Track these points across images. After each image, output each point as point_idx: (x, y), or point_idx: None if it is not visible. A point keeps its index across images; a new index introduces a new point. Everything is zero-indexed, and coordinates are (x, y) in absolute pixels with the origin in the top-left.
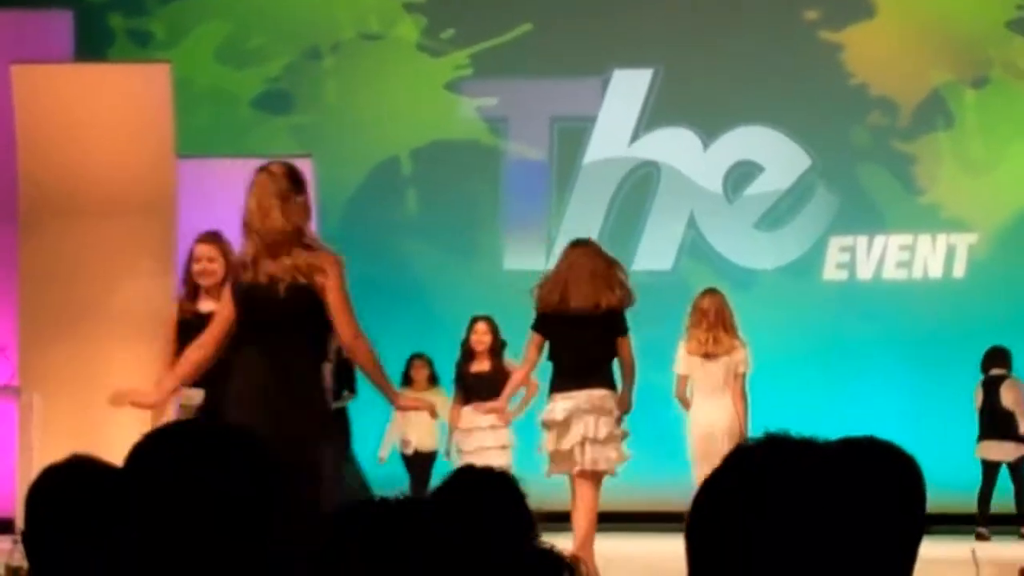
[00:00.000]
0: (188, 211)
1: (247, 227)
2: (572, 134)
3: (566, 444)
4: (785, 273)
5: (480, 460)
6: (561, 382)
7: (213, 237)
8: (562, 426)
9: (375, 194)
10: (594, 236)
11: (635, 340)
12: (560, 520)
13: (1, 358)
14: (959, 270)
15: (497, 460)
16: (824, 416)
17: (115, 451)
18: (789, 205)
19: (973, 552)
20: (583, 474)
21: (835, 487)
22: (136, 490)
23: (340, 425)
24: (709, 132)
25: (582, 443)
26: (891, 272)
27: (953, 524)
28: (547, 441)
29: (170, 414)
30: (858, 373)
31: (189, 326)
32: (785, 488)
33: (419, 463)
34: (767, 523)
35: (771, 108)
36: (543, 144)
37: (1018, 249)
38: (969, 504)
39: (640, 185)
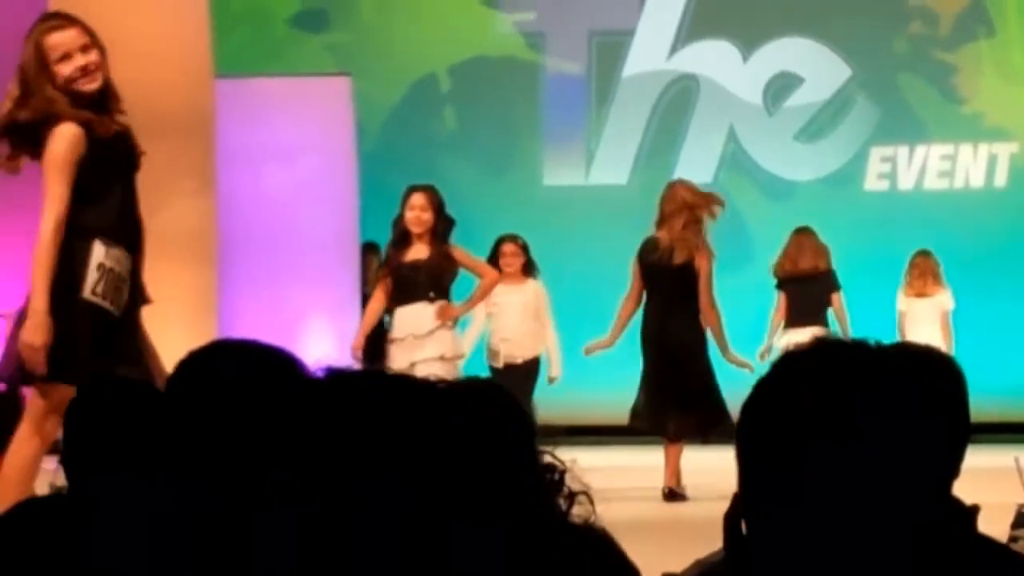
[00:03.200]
0: (226, 131)
1: (663, 214)
2: (611, 48)
3: None
4: (826, 184)
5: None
6: (794, 320)
7: None
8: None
9: (413, 112)
10: (633, 150)
11: None
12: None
13: None
14: (1001, 179)
15: (440, 373)
16: (865, 326)
17: None
18: (829, 116)
19: (1017, 460)
20: None
21: (885, 389)
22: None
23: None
24: (748, 44)
25: None
26: (932, 182)
27: (997, 433)
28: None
29: None
30: (899, 284)
31: None
32: (835, 389)
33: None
34: (817, 424)
35: (811, 19)
36: (581, 58)
37: None
38: (1013, 412)
39: (679, 98)
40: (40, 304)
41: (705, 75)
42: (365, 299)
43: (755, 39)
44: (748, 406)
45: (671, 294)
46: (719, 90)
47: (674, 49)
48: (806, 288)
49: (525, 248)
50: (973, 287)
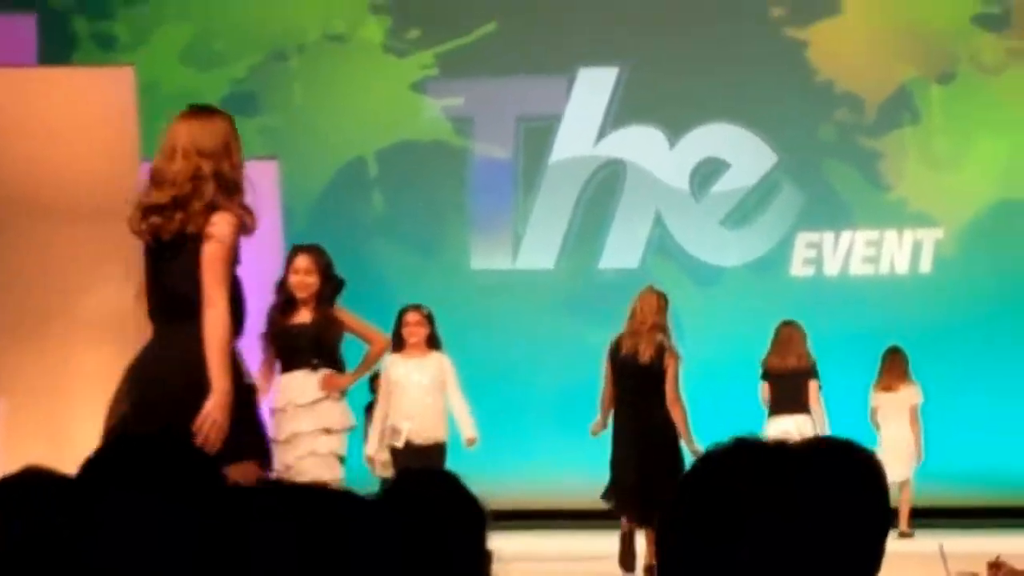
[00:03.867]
0: None
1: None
2: (538, 133)
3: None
4: (752, 269)
5: (297, 451)
6: (777, 409)
7: None
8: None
9: (341, 195)
10: (561, 235)
11: (602, 337)
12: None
13: None
14: (925, 265)
15: (323, 448)
16: None
17: (81, 457)
18: (755, 202)
19: (941, 547)
20: None
21: (802, 487)
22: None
23: None
24: (675, 130)
25: None
26: (858, 268)
27: (922, 518)
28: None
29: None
30: (824, 368)
31: None
32: (752, 489)
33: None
34: (736, 525)
35: (737, 105)
36: (509, 143)
37: (984, 244)
38: (937, 497)
39: (606, 183)
40: (226, 384)
41: (632, 160)
42: None
43: (681, 125)
44: (667, 510)
45: (640, 389)
46: (646, 175)
47: (601, 134)
48: (784, 380)
49: (430, 318)
50: None
